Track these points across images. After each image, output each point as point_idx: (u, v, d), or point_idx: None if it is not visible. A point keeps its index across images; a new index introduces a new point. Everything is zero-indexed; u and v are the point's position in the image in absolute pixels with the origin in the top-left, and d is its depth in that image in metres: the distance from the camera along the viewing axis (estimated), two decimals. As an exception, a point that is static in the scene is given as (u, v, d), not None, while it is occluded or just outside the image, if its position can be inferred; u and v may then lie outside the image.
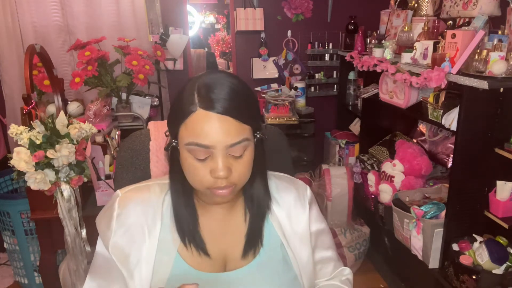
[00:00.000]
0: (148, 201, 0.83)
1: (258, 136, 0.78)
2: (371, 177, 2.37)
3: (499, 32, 1.68)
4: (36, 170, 1.51)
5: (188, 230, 0.82)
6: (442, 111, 1.84)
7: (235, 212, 0.87)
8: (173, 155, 0.79)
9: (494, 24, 1.83)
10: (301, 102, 3.03)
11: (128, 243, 0.80)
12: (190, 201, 0.83)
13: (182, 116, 0.72)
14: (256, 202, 0.86)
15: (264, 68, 3.06)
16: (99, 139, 1.93)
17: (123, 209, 0.81)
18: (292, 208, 0.90)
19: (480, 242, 1.73)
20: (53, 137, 1.53)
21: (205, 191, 0.77)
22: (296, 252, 0.88)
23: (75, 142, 1.57)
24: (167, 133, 0.80)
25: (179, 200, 0.82)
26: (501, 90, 1.63)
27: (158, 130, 1.02)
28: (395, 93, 2.22)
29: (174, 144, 0.77)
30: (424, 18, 2.16)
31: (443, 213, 1.87)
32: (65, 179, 1.58)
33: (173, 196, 0.83)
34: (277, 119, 2.73)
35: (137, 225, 0.81)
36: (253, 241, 0.85)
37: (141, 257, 0.80)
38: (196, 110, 0.71)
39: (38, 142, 1.50)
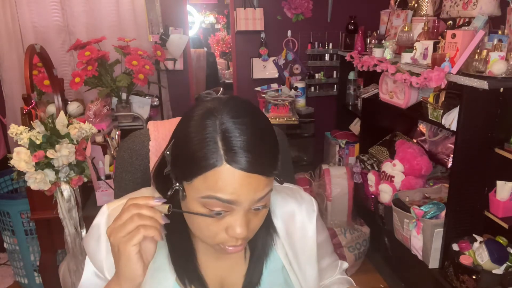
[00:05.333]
0: None
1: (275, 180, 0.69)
2: (371, 177, 2.37)
3: (499, 32, 1.67)
4: (36, 170, 1.51)
5: (187, 270, 0.75)
6: (442, 111, 1.84)
7: None
8: (172, 196, 0.68)
9: (494, 24, 1.83)
10: (301, 102, 3.03)
11: None
12: (185, 235, 0.75)
13: (201, 167, 0.61)
14: (257, 242, 0.79)
15: (264, 68, 3.06)
16: (99, 139, 1.93)
17: None
18: (293, 223, 0.83)
19: (480, 242, 1.73)
20: (53, 137, 1.53)
21: (213, 246, 0.69)
22: (300, 274, 0.82)
23: (75, 142, 1.57)
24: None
25: (174, 235, 0.73)
26: (501, 90, 1.63)
27: (157, 130, 1.01)
28: (395, 93, 2.22)
29: (177, 188, 0.66)
30: (424, 18, 2.16)
31: (443, 213, 1.87)
32: (65, 179, 1.58)
33: (167, 230, 0.69)
34: (277, 119, 2.73)
35: None
36: (254, 277, 0.79)
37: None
38: (222, 164, 0.60)
39: (38, 142, 1.50)
